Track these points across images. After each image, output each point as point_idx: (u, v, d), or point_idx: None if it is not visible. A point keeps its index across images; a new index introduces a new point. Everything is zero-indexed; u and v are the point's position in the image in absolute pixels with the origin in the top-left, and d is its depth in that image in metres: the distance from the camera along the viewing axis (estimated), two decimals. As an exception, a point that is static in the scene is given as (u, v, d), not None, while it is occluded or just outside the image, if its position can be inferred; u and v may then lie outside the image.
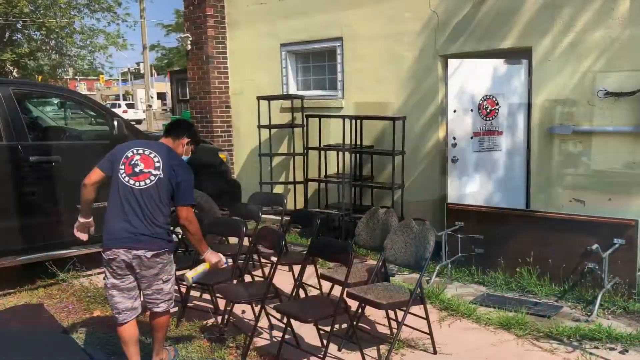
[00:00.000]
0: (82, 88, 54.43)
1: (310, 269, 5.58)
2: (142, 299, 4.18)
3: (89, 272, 6.56)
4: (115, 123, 6.35)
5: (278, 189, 9.37)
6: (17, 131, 5.91)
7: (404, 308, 4.43)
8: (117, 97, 55.86)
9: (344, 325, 4.96)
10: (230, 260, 4.63)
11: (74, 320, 5.43)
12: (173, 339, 4.87)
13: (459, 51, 7.29)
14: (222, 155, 7.89)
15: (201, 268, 4.24)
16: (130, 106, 45.62)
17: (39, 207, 6.01)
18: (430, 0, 7.47)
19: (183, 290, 5.41)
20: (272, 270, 4.91)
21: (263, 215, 6.33)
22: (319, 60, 9.20)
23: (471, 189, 6.98)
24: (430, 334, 4.61)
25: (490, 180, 7.06)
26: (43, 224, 6.07)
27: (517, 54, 6.93)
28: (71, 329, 5.22)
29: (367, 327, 5.09)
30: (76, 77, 41.33)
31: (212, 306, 5.45)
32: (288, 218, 6.46)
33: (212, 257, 4.21)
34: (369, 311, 5.14)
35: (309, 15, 8.82)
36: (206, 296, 5.79)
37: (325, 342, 4.26)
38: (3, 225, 5.78)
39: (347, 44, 8.46)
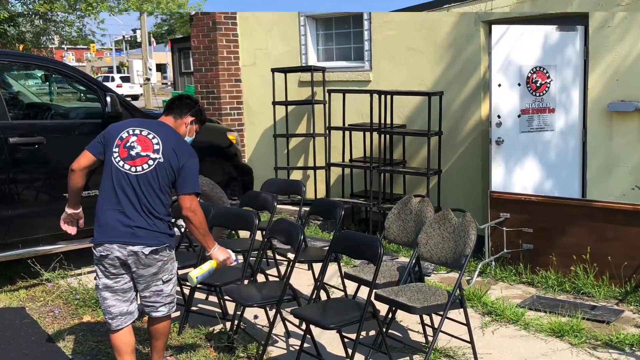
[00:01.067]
0: (70, 59, 54.77)
1: (332, 268, 5.63)
2: (139, 302, 4.14)
3: (77, 271, 6.54)
4: (108, 99, 6.34)
5: (295, 175, 9.42)
6: None
7: (441, 312, 4.43)
8: (110, 69, 56.19)
9: (372, 333, 4.99)
10: (240, 257, 4.65)
11: (61, 326, 5.40)
12: (175, 348, 4.87)
13: (504, 16, 7.27)
14: (231, 136, 7.88)
15: (207, 266, 4.22)
16: (126, 79, 45.80)
17: (19, 196, 6.03)
18: (472, -45, 7.47)
19: (186, 291, 5.43)
20: (289, 268, 4.93)
21: (278, 206, 6.38)
22: (342, 27, 9.22)
23: (518, 175, 6.99)
24: (472, 342, 4.59)
25: (540, 164, 7.06)
26: (25, 215, 6.05)
27: (572, 20, 6.90)
28: (57, 337, 5.17)
29: (398, 334, 5.11)
30: (63, 46, 41.52)
31: (219, 310, 5.42)
32: (307, 208, 6.51)
33: (220, 253, 4.20)
34: (401, 316, 5.17)
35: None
36: (213, 299, 5.80)
37: (350, 351, 4.24)
38: None
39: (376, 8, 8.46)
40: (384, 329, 4.62)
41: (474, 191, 7.61)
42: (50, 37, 29.68)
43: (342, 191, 8.71)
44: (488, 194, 6.74)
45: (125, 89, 39.45)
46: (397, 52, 8.31)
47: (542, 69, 6.92)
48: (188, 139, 4.39)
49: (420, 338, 5.03)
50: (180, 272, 5.06)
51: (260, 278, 5.50)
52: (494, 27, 6.91)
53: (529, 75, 6.90)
